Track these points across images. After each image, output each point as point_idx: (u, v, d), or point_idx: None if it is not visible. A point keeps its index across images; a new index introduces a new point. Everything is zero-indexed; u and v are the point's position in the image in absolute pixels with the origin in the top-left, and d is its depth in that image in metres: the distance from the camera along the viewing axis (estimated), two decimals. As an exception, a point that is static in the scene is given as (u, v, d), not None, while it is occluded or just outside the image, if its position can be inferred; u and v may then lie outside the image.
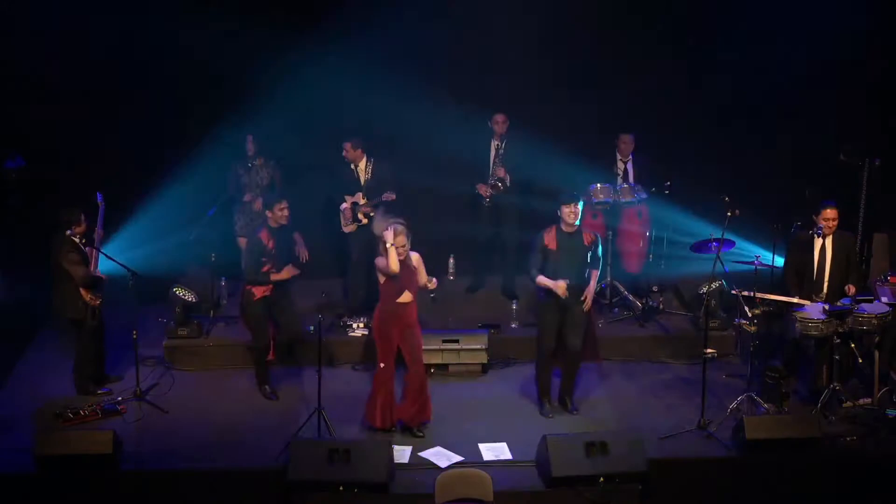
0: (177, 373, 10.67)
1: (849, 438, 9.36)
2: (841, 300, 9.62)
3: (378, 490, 8.68)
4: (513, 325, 11.17)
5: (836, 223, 9.75)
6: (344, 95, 11.80)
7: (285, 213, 9.92)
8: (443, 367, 10.69)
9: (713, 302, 10.60)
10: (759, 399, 9.70)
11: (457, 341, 10.70)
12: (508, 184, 11.43)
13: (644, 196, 11.42)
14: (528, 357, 10.38)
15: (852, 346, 9.63)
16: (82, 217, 9.86)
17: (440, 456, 9.19)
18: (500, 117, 11.41)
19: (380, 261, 9.28)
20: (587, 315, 9.79)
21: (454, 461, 9.12)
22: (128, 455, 9.07)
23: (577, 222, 9.52)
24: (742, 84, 11.80)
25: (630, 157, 11.56)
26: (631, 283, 11.70)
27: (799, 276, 9.90)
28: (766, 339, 10.29)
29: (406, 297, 9.40)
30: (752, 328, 9.64)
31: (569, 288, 9.51)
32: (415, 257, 9.45)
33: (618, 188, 11.37)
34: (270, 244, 9.88)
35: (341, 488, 8.62)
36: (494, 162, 11.45)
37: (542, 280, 9.52)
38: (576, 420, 9.74)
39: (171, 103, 11.71)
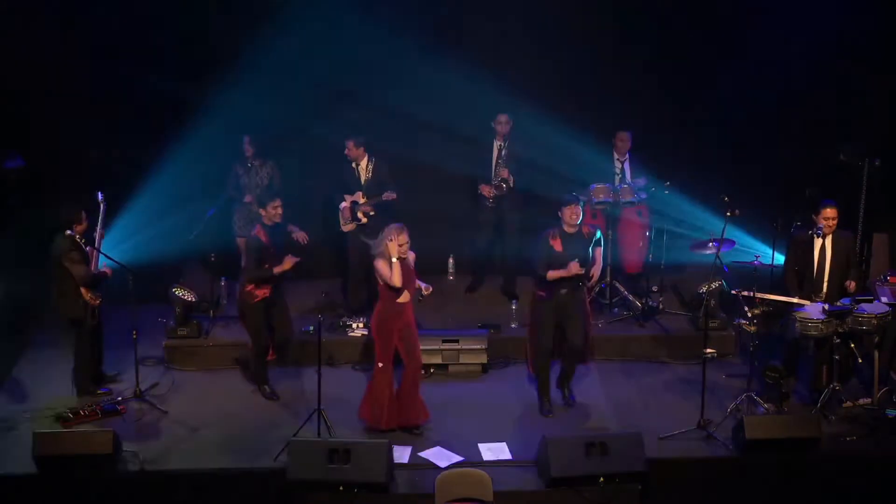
0: (177, 373, 10.67)
1: (849, 438, 9.36)
2: (841, 300, 9.62)
3: (378, 490, 8.68)
4: (513, 325, 11.17)
5: (835, 222, 9.75)
6: (344, 95, 11.80)
7: (279, 211, 9.91)
8: (443, 367, 10.69)
9: (713, 302, 10.61)
10: (759, 399, 9.71)
11: (457, 341, 10.70)
12: (512, 184, 11.43)
13: (644, 196, 11.42)
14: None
15: (852, 346, 9.62)
16: (83, 215, 9.86)
17: (440, 456, 9.20)
18: (503, 117, 11.40)
19: (381, 266, 9.28)
20: (586, 312, 9.82)
21: (454, 461, 9.12)
22: (128, 455, 9.07)
23: (579, 223, 9.55)
24: (742, 84, 11.78)
25: (627, 155, 11.56)
26: (631, 283, 11.71)
27: (799, 276, 9.89)
28: (766, 339, 10.29)
29: (405, 296, 9.41)
30: (752, 328, 9.64)
31: (566, 288, 9.54)
32: (411, 257, 9.47)
33: (618, 188, 11.37)
34: (268, 243, 9.86)
35: (341, 488, 8.62)
36: (498, 163, 11.44)
37: (554, 273, 9.52)
38: (576, 420, 9.74)
39: (171, 102, 11.71)
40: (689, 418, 9.54)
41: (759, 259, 10.28)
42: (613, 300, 11.52)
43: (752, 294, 9.70)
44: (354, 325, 11.03)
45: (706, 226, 11.48)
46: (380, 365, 9.45)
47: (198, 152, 11.72)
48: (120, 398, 10.01)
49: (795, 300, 9.73)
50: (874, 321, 9.46)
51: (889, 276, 10.38)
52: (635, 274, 11.75)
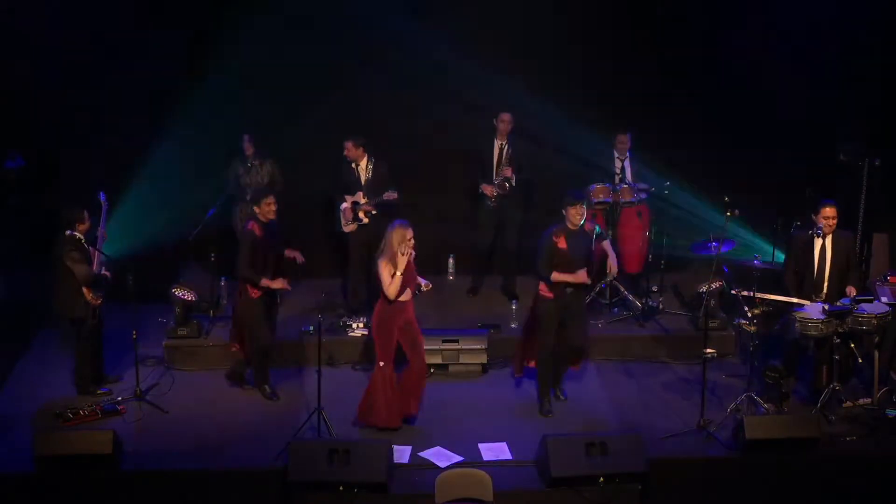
0: (177, 373, 10.67)
1: (849, 438, 9.36)
2: (841, 300, 9.62)
3: (378, 490, 8.68)
4: (513, 325, 11.16)
5: (835, 222, 9.74)
6: (344, 94, 11.80)
7: (272, 207, 9.88)
8: (443, 367, 10.69)
9: (713, 302, 10.61)
10: (759, 399, 9.70)
11: (457, 341, 10.70)
12: (514, 183, 11.43)
13: (644, 196, 11.42)
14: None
15: (852, 346, 9.62)
16: (86, 215, 9.86)
17: (440, 456, 9.19)
18: (506, 116, 11.39)
19: (382, 268, 9.28)
20: (586, 312, 9.86)
21: (454, 461, 9.12)
22: (128, 455, 9.07)
23: (582, 222, 9.57)
24: (742, 83, 11.80)
25: (627, 154, 11.56)
26: (631, 283, 11.71)
27: (799, 276, 9.89)
28: (766, 339, 10.29)
29: (406, 295, 9.42)
30: (752, 328, 9.64)
31: (573, 288, 9.57)
32: (412, 254, 9.49)
33: (617, 188, 11.38)
34: (261, 237, 9.83)
35: (341, 488, 8.62)
36: (501, 162, 11.43)
37: (560, 276, 9.54)
38: (576, 420, 9.74)
39: (171, 102, 11.72)
40: (689, 418, 9.55)
41: (758, 259, 10.28)
42: (613, 300, 11.52)
43: (752, 294, 9.70)
44: (354, 325, 11.02)
45: (706, 226, 11.49)
46: (381, 364, 9.46)
47: (197, 149, 11.77)
48: (120, 398, 10.01)
49: (795, 300, 9.73)
50: (874, 321, 9.46)
51: (889, 276, 10.39)
52: (635, 274, 11.74)
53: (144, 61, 11.59)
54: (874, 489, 9.02)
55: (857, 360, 9.65)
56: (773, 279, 10.36)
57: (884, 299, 9.89)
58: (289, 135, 11.72)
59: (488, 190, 11.46)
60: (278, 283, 9.89)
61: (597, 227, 9.76)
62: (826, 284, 9.79)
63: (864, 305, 9.54)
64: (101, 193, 10.16)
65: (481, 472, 8.13)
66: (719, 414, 9.54)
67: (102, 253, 9.95)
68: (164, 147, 11.80)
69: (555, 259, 9.56)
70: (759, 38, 11.76)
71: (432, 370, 10.60)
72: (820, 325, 9.47)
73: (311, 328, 10.52)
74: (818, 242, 9.79)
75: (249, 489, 8.92)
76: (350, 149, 11.10)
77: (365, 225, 11.14)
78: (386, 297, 9.36)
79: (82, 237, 9.84)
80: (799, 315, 9.57)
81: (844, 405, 9.70)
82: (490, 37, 11.75)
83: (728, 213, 10.00)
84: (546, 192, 11.70)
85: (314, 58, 11.75)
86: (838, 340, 9.58)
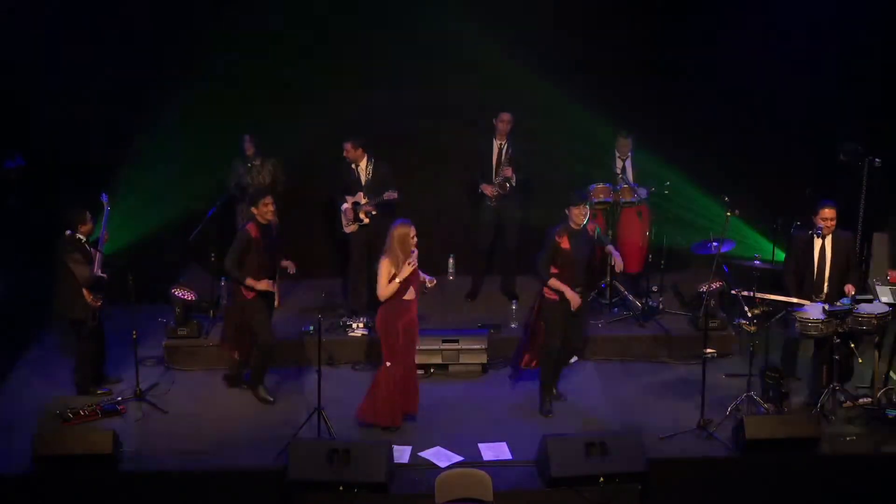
0: (177, 373, 10.68)
1: (849, 438, 9.36)
2: (840, 300, 9.61)
3: (378, 490, 8.68)
4: (513, 325, 11.16)
5: (833, 223, 9.74)
6: (344, 94, 11.80)
7: (270, 208, 9.86)
8: (443, 367, 10.69)
9: (713, 302, 10.61)
10: (759, 399, 9.70)
11: (457, 341, 10.69)
12: (514, 184, 11.42)
13: (644, 196, 11.42)
14: (529, 357, 10.39)
15: (852, 346, 9.63)
16: (88, 216, 9.86)
17: (440, 456, 9.19)
18: (506, 116, 11.38)
19: (383, 267, 9.30)
20: (588, 313, 9.88)
21: (454, 461, 9.12)
22: (127, 455, 9.08)
23: (585, 222, 9.59)
24: (742, 83, 11.80)
25: (629, 155, 11.56)
26: (631, 283, 11.71)
27: (799, 277, 9.89)
28: (766, 339, 10.29)
29: (410, 293, 9.43)
30: (752, 328, 9.64)
31: (581, 288, 9.63)
32: (415, 254, 9.49)
33: (618, 188, 11.38)
34: (258, 238, 9.82)
35: (341, 488, 8.62)
36: (501, 162, 11.43)
37: (558, 284, 9.55)
38: (576, 420, 9.74)
39: (171, 101, 11.73)
40: (689, 418, 9.54)
41: (758, 259, 10.28)
42: (613, 300, 11.52)
43: (752, 294, 9.69)
44: (354, 325, 11.02)
45: (706, 226, 11.49)
46: (387, 364, 9.46)
47: (197, 149, 11.78)
48: (120, 398, 10.01)
49: (795, 300, 9.73)
50: (874, 321, 9.45)
51: (889, 276, 10.38)
52: (635, 274, 11.74)
53: (145, 61, 11.59)
54: (874, 489, 9.02)
55: (857, 360, 9.65)
56: (773, 279, 10.36)
57: (884, 299, 9.88)
58: (289, 135, 11.71)
59: (488, 190, 11.45)
60: (262, 285, 9.82)
61: (598, 231, 9.76)
62: (826, 284, 9.79)
63: (864, 305, 9.53)
64: (104, 195, 10.16)
65: (481, 472, 8.12)
66: (719, 414, 9.53)
67: (103, 254, 9.95)
68: (164, 147, 11.80)
69: (558, 259, 9.56)
70: (760, 38, 11.75)
71: (432, 370, 10.60)
72: (820, 324, 9.47)
73: (311, 328, 10.52)
74: (818, 242, 9.79)
75: (249, 489, 8.92)
76: (349, 150, 11.10)
77: (365, 225, 11.14)
78: (391, 297, 9.37)
79: (84, 238, 9.84)
80: (799, 315, 9.57)
81: (844, 405, 9.70)
82: (490, 36, 11.73)
83: (728, 213, 10.00)
84: (546, 192, 11.70)
85: (314, 57, 11.74)
86: (838, 340, 9.58)
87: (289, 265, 10.14)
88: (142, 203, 11.61)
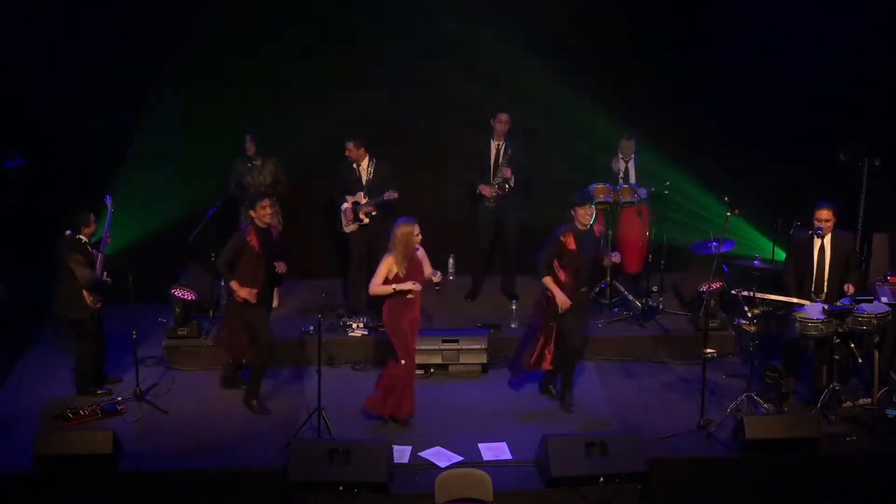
0: (177, 373, 10.67)
1: (849, 438, 9.36)
2: (840, 300, 9.61)
3: (378, 490, 8.68)
4: (513, 325, 11.16)
5: (830, 223, 9.73)
6: (344, 94, 11.80)
7: (267, 211, 9.80)
8: (443, 367, 10.69)
9: (713, 302, 10.61)
10: (759, 399, 9.70)
11: (457, 341, 10.69)
12: (513, 184, 11.42)
13: (644, 196, 11.42)
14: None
15: (852, 346, 9.62)
16: (92, 218, 9.87)
17: (440, 456, 9.20)
18: (503, 116, 11.37)
19: (383, 265, 9.33)
20: (588, 313, 9.93)
21: (454, 461, 9.12)
22: (127, 455, 9.07)
23: (591, 223, 9.61)
24: (742, 83, 11.80)
25: (633, 156, 11.56)
26: (631, 283, 11.71)
27: (798, 276, 9.89)
28: (766, 339, 10.29)
29: (418, 285, 9.43)
30: (752, 328, 9.63)
31: (578, 292, 9.64)
32: (419, 252, 9.52)
33: (618, 188, 11.38)
34: (255, 243, 9.75)
35: (341, 488, 8.62)
36: (500, 163, 11.42)
37: (551, 284, 9.56)
38: (576, 420, 9.74)
39: (171, 101, 11.73)
40: (689, 418, 9.54)
41: (758, 259, 10.28)
42: (613, 300, 11.52)
43: (752, 294, 9.69)
44: (354, 325, 11.02)
45: (706, 225, 11.49)
46: (402, 362, 9.48)
47: (197, 149, 11.79)
48: (120, 398, 10.02)
49: (795, 300, 9.72)
50: (874, 321, 9.45)
51: (889, 276, 10.38)
52: (635, 274, 11.74)
53: (145, 61, 11.59)
54: (874, 489, 9.02)
55: (857, 360, 9.65)
56: (773, 279, 10.36)
57: (884, 299, 9.88)
58: (289, 135, 11.71)
59: (487, 191, 11.45)
60: (243, 292, 9.72)
61: (604, 234, 9.80)
62: (826, 284, 9.79)
63: (864, 305, 9.53)
64: (108, 196, 10.17)
65: (481, 472, 8.12)
66: (719, 414, 9.54)
67: (105, 255, 9.94)
68: (164, 147, 11.80)
69: (563, 259, 9.57)
70: (760, 38, 11.75)
71: (432, 370, 10.60)
72: (820, 325, 9.47)
73: (311, 328, 10.52)
74: (817, 242, 9.79)
75: (249, 489, 8.92)
76: (351, 149, 11.10)
77: (365, 225, 11.14)
78: (392, 297, 9.40)
79: (87, 240, 9.84)
80: (799, 315, 9.57)
81: (844, 405, 9.70)
82: (491, 36, 11.74)
83: (728, 213, 10.01)
84: (545, 192, 11.71)
85: (314, 57, 11.74)
86: (838, 340, 9.57)
87: (279, 265, 10.02)
88: (142, 203, 11.61)
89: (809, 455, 9.09)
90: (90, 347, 10.09)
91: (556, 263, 9.64)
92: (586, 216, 9.55)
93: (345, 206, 11.16)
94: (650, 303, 11.41)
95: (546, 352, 9.82)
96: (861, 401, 9.75)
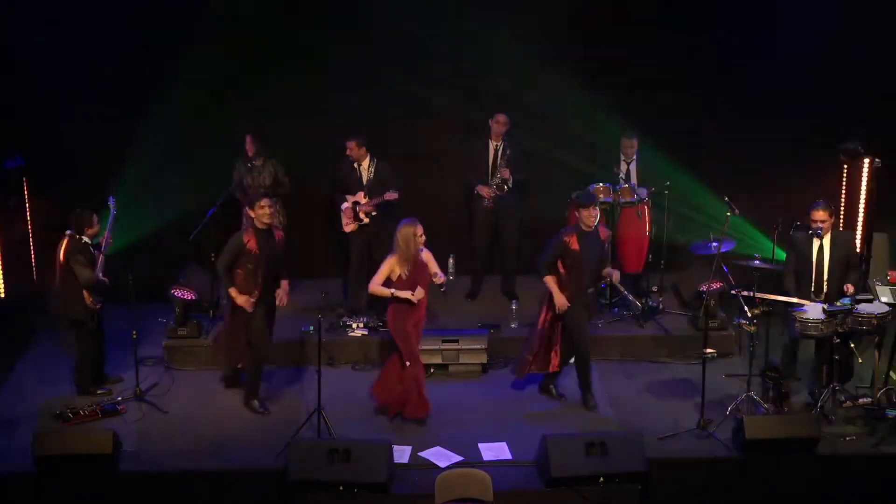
0: (177, 373, 10.68)
1: (849, 438, 9.36)
2: (840, 300, 9.61)
3: (378, 490, 8.68)
4: (513, 325, 11.16)
5: (826, 224, 9.72)
6: (344, 94, 11.80)
7: (265, 211, 9.74)
8: (443, 367, 10.69)
9: (713, 302, 10.61)
10: (759, 399, 9.70)
11: (457, 341, 10.70)
12: (511, 185, 11.41)
13: (644, 196, 11.42)
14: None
15: (852, 346, 9.62)
16: (94, 219, 9.87)
17: (440, 456, 9.19)
18: (501, 117, 11.37)
19: (385, 265, 9.33)
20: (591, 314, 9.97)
21: (454, 461, 9.12)
22: (127, 455, 9.07)
23: (596, 224, 9.62)
24: (742, 83, 11.80)
25: (635, 157, 11.56)
26: (631, 283, 11.70)
27: (798, 276, 9.89)
28: (766, 339, 10.28)
29: (419, 292, 9.44)
30: (752, 328, 9.63)
31: (578, 293, 9.63)
32: (424, 253, 9.52)
33: (618, 188, 11.37)
34: (252, 244, 9.69)
35: (341, 488, 8.61)
36: (498, 163, 11.41)
37: (551, 283, 9.57)
38: (576, 420, 9.74)
39: (172, 101, 11.73)
40: (689, 418, 9.54)
41: (758, 259, 10.28)
42: (613, 300, 11.52)
43: (752, 294, 9.69)
44: (354, 325, 11.02)
45: (706, 225, 11.48)
46: (407, 364, 9.48)
47: (197, 149, 11.79)
48: (120, 398, 10.02)
49: (795, 300, 9.72)
50: (874, 321, 9.45)
51: (889, 275, 10.37)
52: (635, 274, 11.74)
53: (145, 61, 11.59)
54: (874, 489, 9.02)
55: (857, 360, 9.64)
56: (773, 279, 10.35)
57: (884, 299, 9.87)
58: (289, 135, 11.71)
59: (485, 192, 11.44)
60: (241, 300, 9.68)
61: (610, 238, 9.80)
62: (826, 284, 9.78)
63: (864, 305, 9.53)
64: (111, 198, 10.17)
65: (481, 472, 8.09)
66: (719, 414, 9.53)
67: (105, 256, 9.94)
68: (164, 147, 11.80)
69: (566, 259, 9.57)
70: (760, 39, 11.74)
71: (432, 370, 10.60)
72: (820, 324, 9.47)
73: (311, 328, 10.51)
74: (817, 242, 9.79)
75: (249, 489, 8.91)
76: (353, 148, 11.09)
77: (365, 225, 11.14)
78: (396, 299, 9.40)
79: (89, 241, 9.85)
80: (799, 315, 9.56)
81: (844, 405, 9.70)
82: (491, 36, 11.74)
83: (728, 213, 10.00)
84: (545, 192, 11.70)
85: (314, 58, 11.74)
86: (838, 340, 9.57)
87: (281, 295, 9.89)
88: (142, 203, 11.60)
89: (809, 455, 9.09)
90: (90, 347, 10.10)
91: (560, 264, 9.65)
92: (590, 217, 9.55)
93: (345, 205, 11.16)
94: (650, 303, 11.40)
95: (552, 354, 9.83)
96: (861, 401, 9.74)
